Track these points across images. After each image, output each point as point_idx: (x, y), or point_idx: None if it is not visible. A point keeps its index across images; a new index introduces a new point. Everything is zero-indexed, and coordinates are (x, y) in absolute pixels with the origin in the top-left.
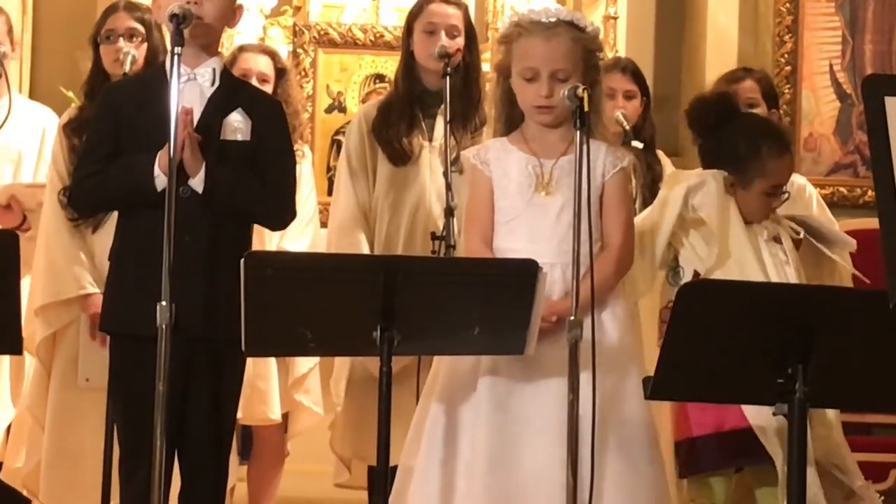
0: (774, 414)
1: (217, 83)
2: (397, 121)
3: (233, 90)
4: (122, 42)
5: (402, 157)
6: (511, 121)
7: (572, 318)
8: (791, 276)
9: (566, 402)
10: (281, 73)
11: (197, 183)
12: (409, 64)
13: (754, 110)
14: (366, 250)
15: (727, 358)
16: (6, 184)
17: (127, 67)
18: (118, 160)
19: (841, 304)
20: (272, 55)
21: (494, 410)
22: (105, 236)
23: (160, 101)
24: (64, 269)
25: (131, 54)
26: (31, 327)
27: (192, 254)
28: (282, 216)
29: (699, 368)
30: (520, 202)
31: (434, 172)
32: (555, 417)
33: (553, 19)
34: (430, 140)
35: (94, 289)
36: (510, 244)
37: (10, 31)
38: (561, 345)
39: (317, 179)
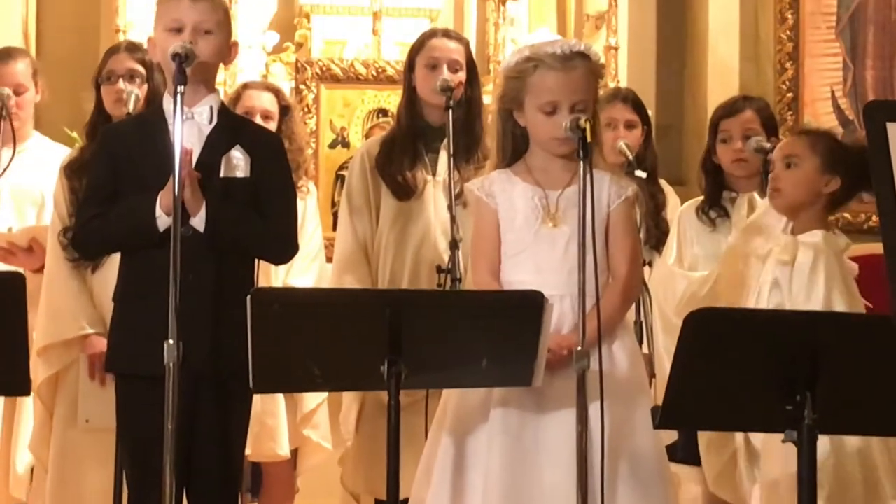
0: (784, 441)
1: (215, 121)
2: (400, 155)
3: (231, 127)
4: (122, 83)
5: (405, 192)
6: (514, 153)
7: (579, 348)
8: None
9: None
10: (285, 110)
11: (198, 222)
12: (411, 99)
13: (753, 139)
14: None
15: (735, 386)
16: (27, 226)
17: (130, 107)
18: (119, 202)
19: (847, 330)
20: (276, 92)
21: (507, 441)
22: (104, 276)
23: (159, 141)
24: (64, 310)
25: (134, 94)
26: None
27: (197, 292)
28: (284, 251)
29: (707, 397)
30: (527, 234)
31: (438, 206)
32: (567, 449)
33: (569, 51)
34: (434, 174)
35: (93, 329)
36: (518, 276)
37: (35, 73)
38: (569, 376)
39: (322, 215)
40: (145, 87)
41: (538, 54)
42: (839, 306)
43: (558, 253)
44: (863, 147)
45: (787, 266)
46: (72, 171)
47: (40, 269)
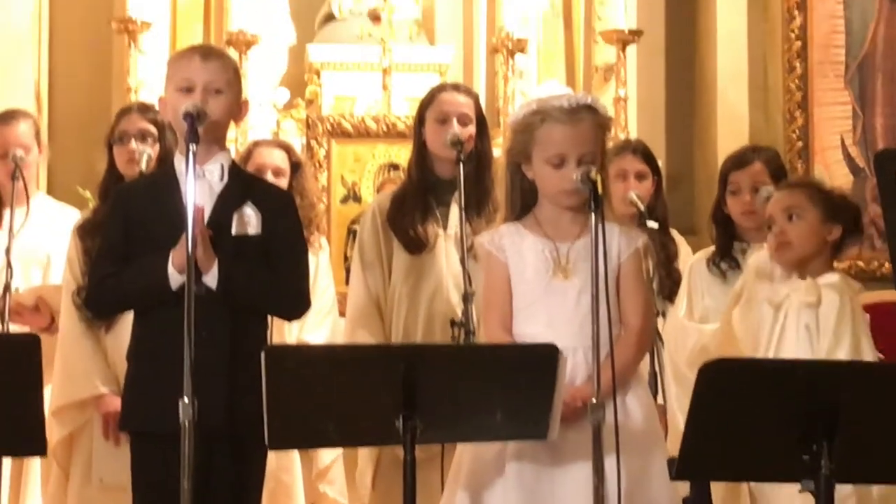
0: (801, 490)
1: (226, 178)
2: (411, 210)
3: (242, 184)
4: (134, 143)
5: (417, 246)
6: (523, 206)
7: (594, 401)
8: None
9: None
10: (296, 166)
11: (210, 279)
12: (421, 153)
13: (763, 190)
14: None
15: (751, 436)
16: (33, 286)
17: (143, 167)
18: (132, 261)
19: (863, 380)
20: (287, 149)
21: (523, 495)
22: (118, 336)
23: (171, 199)
24: (78, 369)
25: (147, 153)
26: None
27: (211, 349)
28: (297, 307)
29: (724, 447)
30: (538, 287)
31: (450, 260)
32: (583, 502)
33: (575, 104)
34: (445, 228)
35: (106, 389)
36: (530, 329)
37: (37, 133)
38: (584, 429)
39: (334, 270)
40: (157, 147)
41: (545, 107)
42: (867, 348)
43: (570, 305)
44: (845, 195)
45: (814, 308)
46: (85, 231)
47: (47, 329)
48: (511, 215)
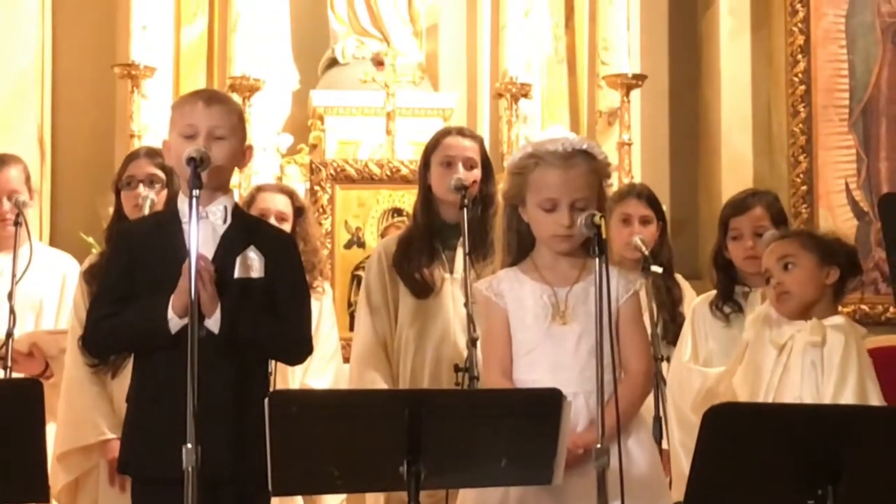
0: None
1: (229, 221)
2: (418, 254)
3: (245, 228)
4: (142, 188)
5: (424, 290)
6: (520, 249)
7: (599, 446)
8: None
9: None
10: (299, 211)
11: (213, 323)
12: (426, 197)
13: (767, 234)
14: (382, 387)
15: (757, 480)
16: (27, 332)
17: (146, 211)
18: (132, 303)
19: (867, 424)
20: (290, 194)
21: None
22: (124, 381)
23: (173, 242)
24: (83, 415)
25: (150, 198)
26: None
27: (212, 394)
28: (299, 353)
29: (728, 492)
30: (537, 333)
31: (457, 304)
32: None
33: (570, 149)
34: (451, 272)
35: (112, 434)
36: (531, 375)
37: (27, 179)
38: (588, 474)
39: (338, 315)
40: (165, 192)
41: (539, 151)
42: (872, 390)
43: (569, 351)
44: (838, 236)
45: (819, 347)
46: (91, 275)
47: (41, 375)
48: (507, 258)
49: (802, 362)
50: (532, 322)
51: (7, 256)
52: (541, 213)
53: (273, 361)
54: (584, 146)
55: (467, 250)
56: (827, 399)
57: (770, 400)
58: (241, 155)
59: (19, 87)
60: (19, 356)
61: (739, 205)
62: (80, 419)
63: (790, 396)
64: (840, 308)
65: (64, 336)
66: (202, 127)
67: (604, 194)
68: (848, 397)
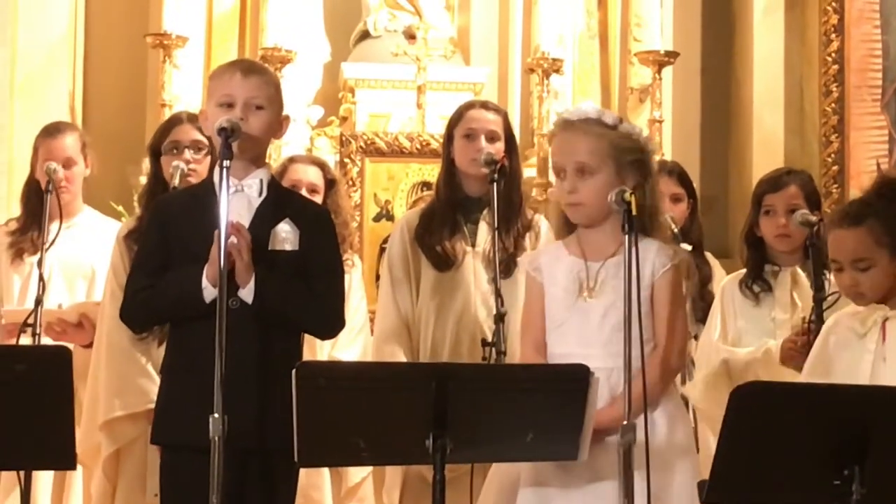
0: None
1: (264, 194)
2: (440, 227)
3: (280, 200)
4: (187, 153)
5: (445, 263)
6: (568, 223)
7: (625, 422)
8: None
9: None
10: (331, 183)
11: (246, 294)
12: (450, 171)
13: (798, 213)
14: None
15: (783, 460)
16: (77, 302)
17: (176, 181)
18: (167, 274)
19: (895, 405)
20: (322, 166)
21: None
22: None
23: (209, 213)
24: (131, 383)
25: (181, 168)
26: (87, 443)
27: (244, 364)
28: (331, 326)
29: (754, 471)
30: (566, 307)
31: (478, 278)
32: None
33: (578, 117)
34: (473, 245)
35: None
36: (558, 349)
37: (84, 147)
38: (603, 449)
39: (366, 288)
40: (208, 159)
41: (556, 122)
42: None
43: (593, 325)
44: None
45: None
46: (132, 239)
47: (90, 345)
48: (559, 233)
49: None
50: (562, 297)
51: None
52: (557, 182)
53: (303, 333)
54: (596, 114)
55: (495, 225)
56: None
57: None
58: (277, 125)
59: (52, 56)
60: (68, 326)
61: (774, 182)
62: (128, 386)
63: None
64: None
65: None
66: (239, 97)
67: (639, 166)
68: None
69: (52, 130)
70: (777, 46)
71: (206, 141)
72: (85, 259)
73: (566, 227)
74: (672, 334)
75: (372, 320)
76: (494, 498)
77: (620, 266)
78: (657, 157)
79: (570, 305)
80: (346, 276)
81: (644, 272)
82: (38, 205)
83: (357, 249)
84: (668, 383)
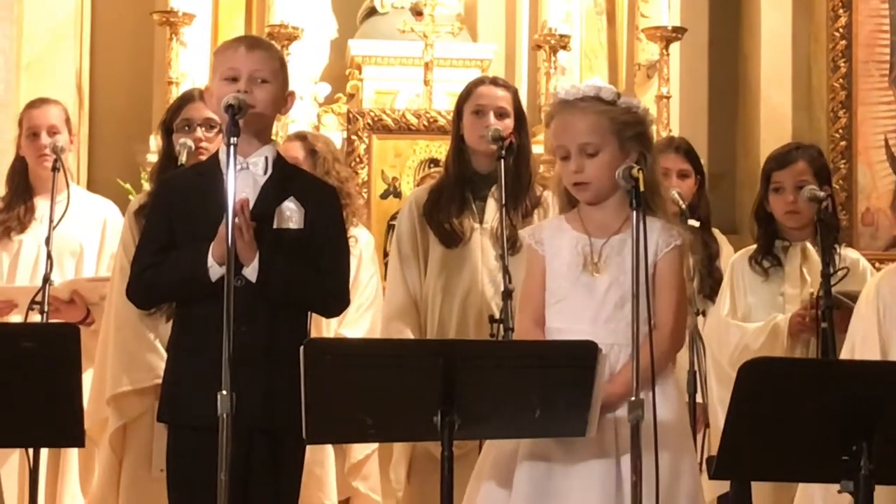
0: (840, 492)
1: (270, 171)
2: (448, 203)
3: (286, 178)
4: (199, 131)
5: (453, 239)
6: (571, 199)
7: (633, 399)
8: None
9: (607, 483)
10: (312, 153)
11: (251, 272)
12: (458, 147)
13: (807, 189)
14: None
15: (791, 435)
16: (68, 279)
17: (183, 158)
18: (172, 253)
19: None
20: (301, 138)
21: (534, 496)
22: None
23: (214, 191)
24: (138, 358)
25: (188, 145)
26: (94, 418)
27: (249, 343)
28: (335, 304)
29: (762, 447)
30: (568, 283)
31: (486, 254)
32: (596, 500)
33: (576, 96)
34: (481, 222)
35: None
36: (556, 324)
37: (67, 121)
38: (602, 427)
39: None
40: (220, 137)
41: (554, 102)
42: None
43: (595, 302)
44: None
45: None
46: (143, 215)
47: (82, 322)
48: (563, 208)
49: None
50: (564, 271)
51: (47, 201)
52: (560, 163)
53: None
54: (594, 91)
55: (503, 202)
56: None
57: None
58: (282, 100)
59: (58, 33)
60: (60, 304)
61: (783, 158)
62: (136, 361)
63: None
64: (877, 265)
65: (104, 284)
66: (244, 71)
67: (640, 140)
68: None
69: (36, 102)
70: (785, 22)
71: (218, 119)
72: (73, 236)
73: (569, 204)
74: (672, 314)
75: (380, 296)
76: (489, 471)
77: (625, 243)
78: (664, 134)
79: (574, 280)
80: (358, 252)
81: (648, 250)
82: (22, 182)
83: (365, 224)
84: (667, 363)
